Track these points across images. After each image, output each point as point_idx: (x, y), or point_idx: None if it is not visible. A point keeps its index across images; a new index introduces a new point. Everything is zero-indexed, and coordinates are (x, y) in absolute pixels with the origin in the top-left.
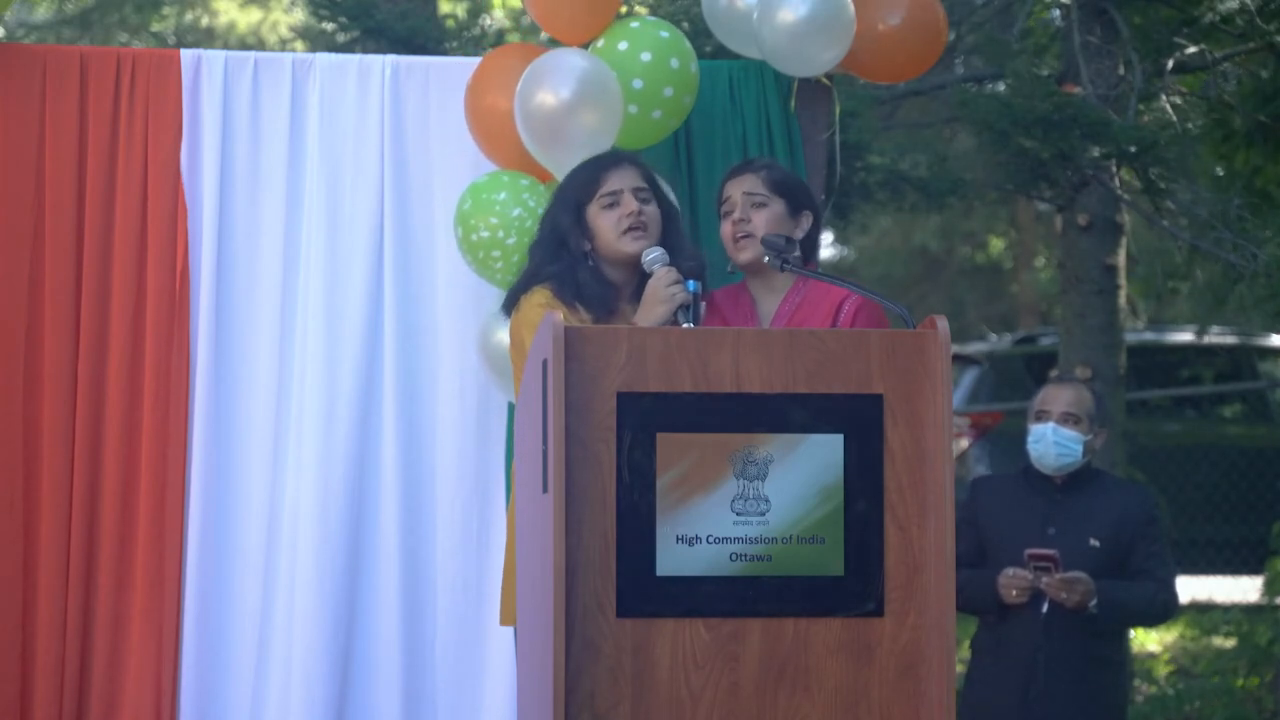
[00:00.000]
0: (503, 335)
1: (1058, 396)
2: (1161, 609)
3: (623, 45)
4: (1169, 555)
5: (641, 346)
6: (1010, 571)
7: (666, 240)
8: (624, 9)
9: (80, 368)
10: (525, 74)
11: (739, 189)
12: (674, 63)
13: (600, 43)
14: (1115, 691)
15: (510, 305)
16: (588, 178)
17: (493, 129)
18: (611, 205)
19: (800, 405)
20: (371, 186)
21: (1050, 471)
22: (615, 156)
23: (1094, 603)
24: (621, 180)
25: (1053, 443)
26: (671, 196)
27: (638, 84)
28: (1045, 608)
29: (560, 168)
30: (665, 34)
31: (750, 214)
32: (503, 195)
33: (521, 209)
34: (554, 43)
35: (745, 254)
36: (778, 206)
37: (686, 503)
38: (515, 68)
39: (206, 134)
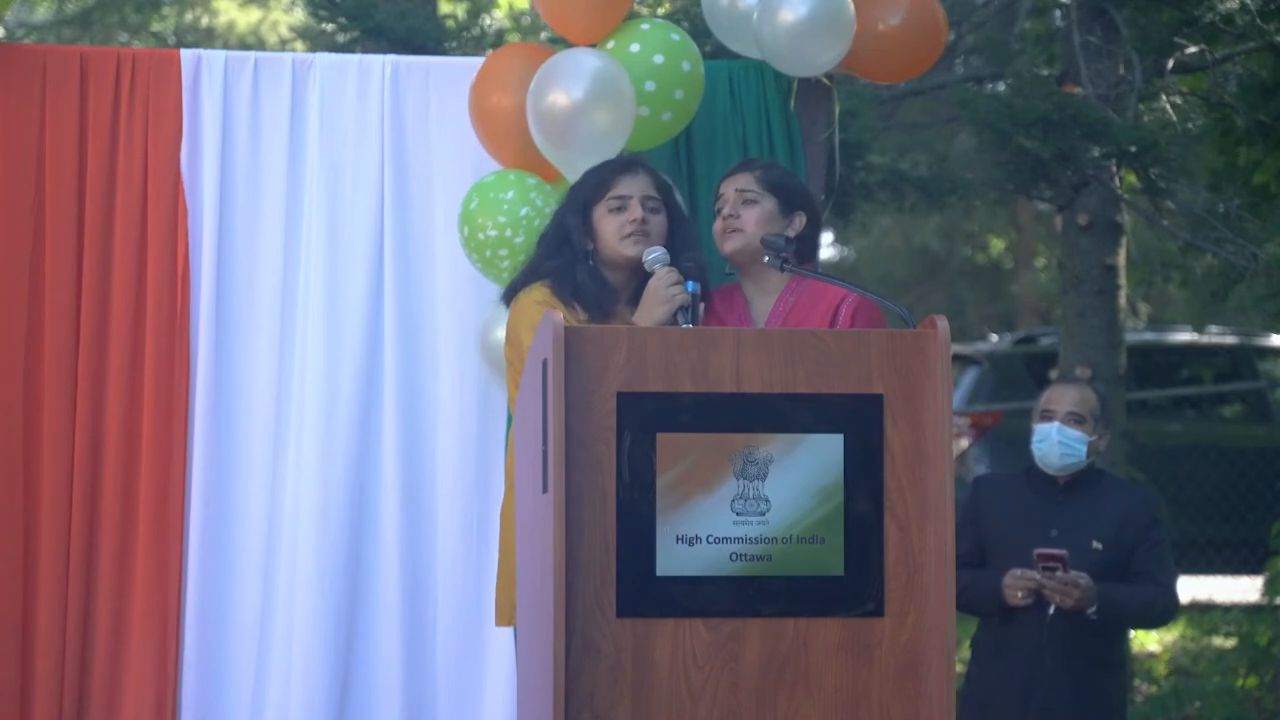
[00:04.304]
0: (502, 333)
1: (1063, 396)
2: (1161, 613)
3: (635, 47)
4: (1170, 558)
5: (641, 346)
6: (1018, 572)
7: (673, 249)
8: (645, 10)
9: (80, 368)
10: (538, 73)
11: (732, 186)
12: (685, 65)
13: (611, 44)
14: (1115, 692)
15: (510, 297)
16: (599, 179)
17: (497, 128)
18: (618, 209)
19: (800, 405)
20: (371, 186)
21: (1054, 471)
22: (630, 162)
23: (1093, 609)
24: (632, 186)
25: (1057, 442)
26: (683, 207)
27: (650, 86)
28: (1052, 610)
29: (571, 168)
30: (675, 36)
31: (740, 210)
32: (510, 194)
33: (529, 208)
34: (554, 42)
35: (731, 244)
36: (768, 204)
37: (686, 503)
38: (519, 67)
39: (206, 134)
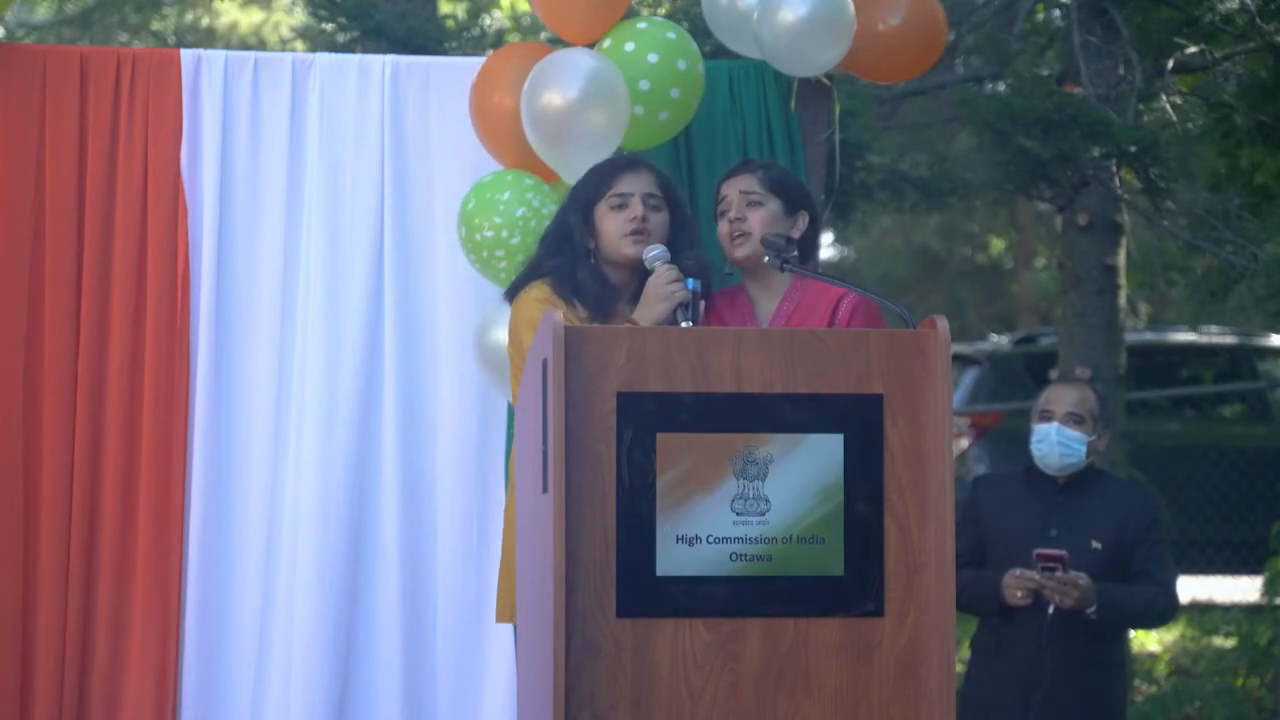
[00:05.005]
0: (499, 334)
1: (1062, 396)
2: (1161, 613)
3: (629, 46)
4: (1170, 558)
5: (641, 346)
6: (1017, 572)
7: (674, 247)
8: (644, 10)
9: (80, 368)
10: (532, 73)
11: (735, 188)
12: (681, 64)
13: (607, 43)
14: (1114, 692)
15: (512, 295)
16: (600, 177)
17: (498, 128)
18: (619, 207)
19: (800, 405)
20: (371, 186)
21: (1053, 472)
22: (631, 160)
23: (1093, 609)
24: (633, 184)
25: (1056, 443)
26: (686, 205)
27: (644, 85)
28: (1051, 610)
29: (566, 167)
30: (672, 35)
31: (746, 212)
32: (507, 195)
33: (525, 209)
34: (557, 41)
35: (741, 250)
36: (773, 205)
37: (686, 503)
38: (520, 66)
39: (206, 134)
